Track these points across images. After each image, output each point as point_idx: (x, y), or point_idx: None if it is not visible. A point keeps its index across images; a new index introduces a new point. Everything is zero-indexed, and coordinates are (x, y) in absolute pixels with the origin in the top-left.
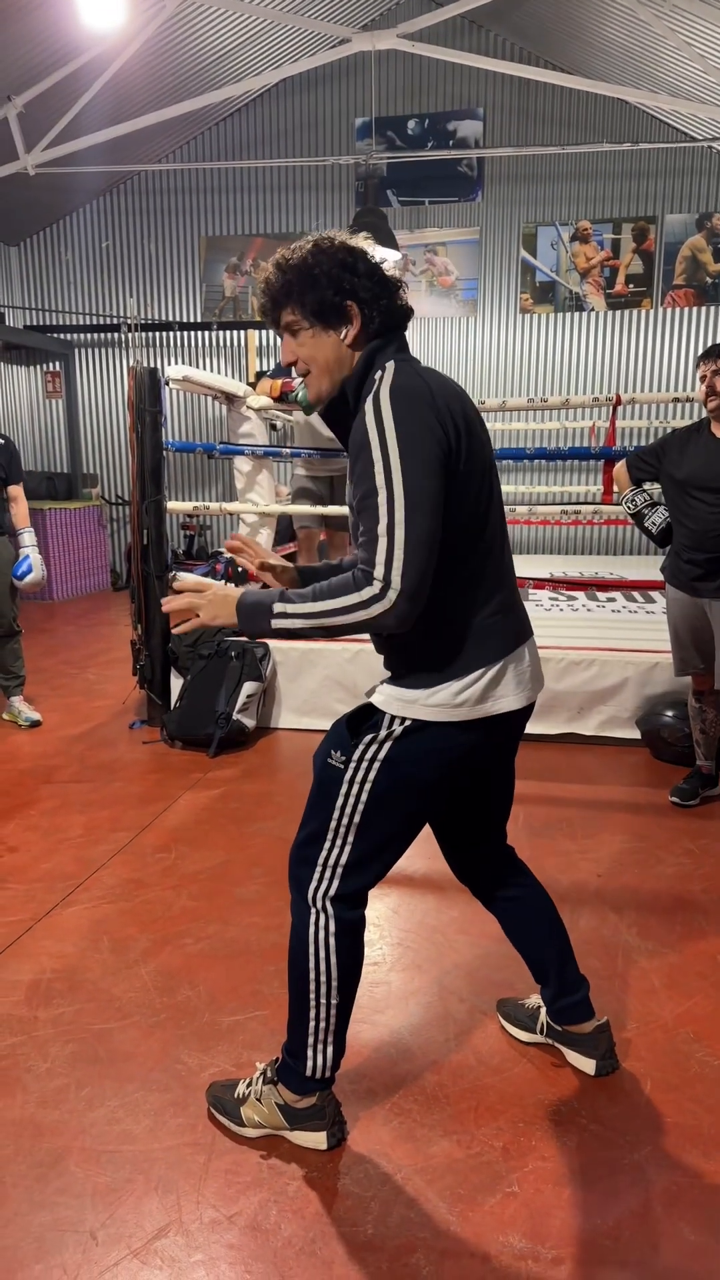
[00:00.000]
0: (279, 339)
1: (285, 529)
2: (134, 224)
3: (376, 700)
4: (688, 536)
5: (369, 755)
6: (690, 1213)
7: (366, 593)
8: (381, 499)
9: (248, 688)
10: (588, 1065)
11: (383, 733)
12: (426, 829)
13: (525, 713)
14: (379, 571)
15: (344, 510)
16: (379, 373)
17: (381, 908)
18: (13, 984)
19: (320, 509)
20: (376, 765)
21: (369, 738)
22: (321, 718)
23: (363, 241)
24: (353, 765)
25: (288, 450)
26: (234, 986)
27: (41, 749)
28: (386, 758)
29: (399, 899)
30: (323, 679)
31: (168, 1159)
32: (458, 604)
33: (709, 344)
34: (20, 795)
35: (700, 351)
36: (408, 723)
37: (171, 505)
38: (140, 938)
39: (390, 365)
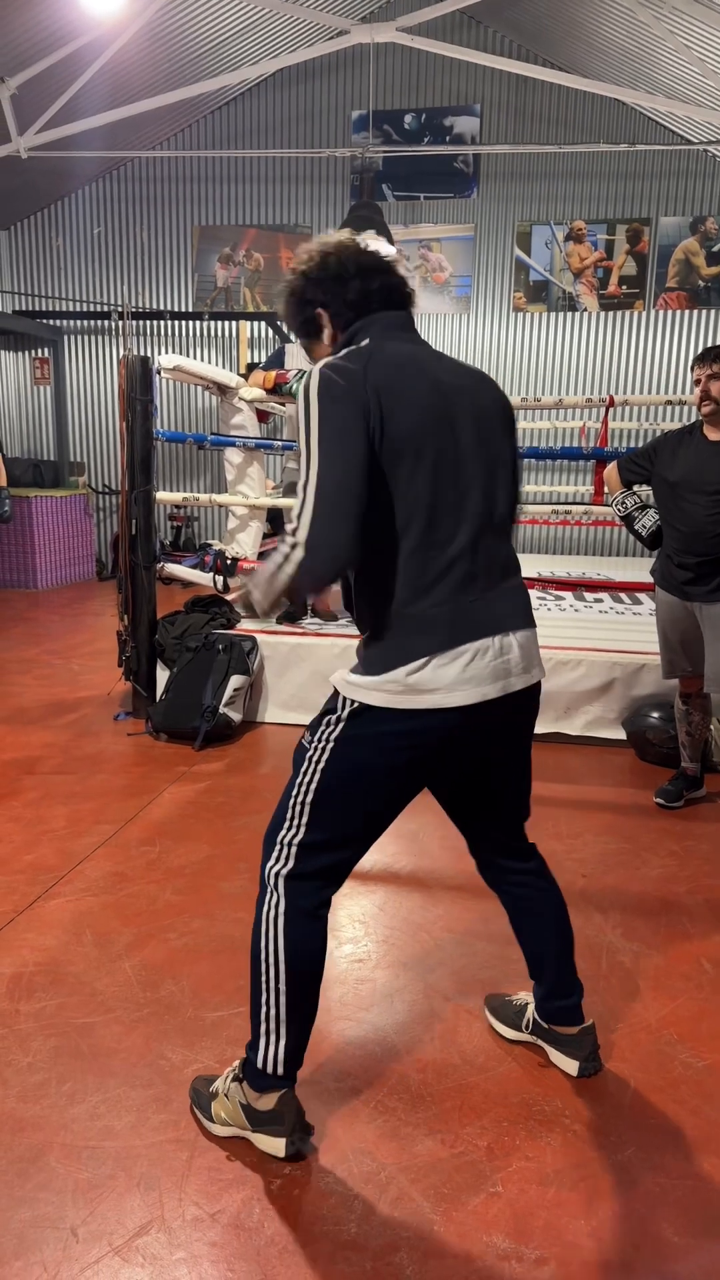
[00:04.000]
0: (270, 330)
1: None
2: (126, 211)
3: (333, 679)
4: (678, 539)
5: (324, 735)
6: (673, 1214)
7: (281, 552)
8: (302, 462)
9: (234, 681)
10: (570, 1066)
11: (336, 714)
12: (417, 827)
13: (509, 705)
14: (289, 527)
15: None
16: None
17: (367, 905)
18: None
19: None
20: (330, 745)
21: (327, 718)
22: (308, 712)
23: (329, 238)
24: (313, 744)
25: (279, 443)
26: (218, 982)
27: (24, 739)
28: (338, 737)
29: (384, 896)
30: (310, 673)
31: (150, 1155)
32: (398, 590)
33: (700, 347)
34: (2, 786)
35: (693, 355)
36: (354, 704)
37: (161, 496)
38: (124, 931)
39: (357, 346)
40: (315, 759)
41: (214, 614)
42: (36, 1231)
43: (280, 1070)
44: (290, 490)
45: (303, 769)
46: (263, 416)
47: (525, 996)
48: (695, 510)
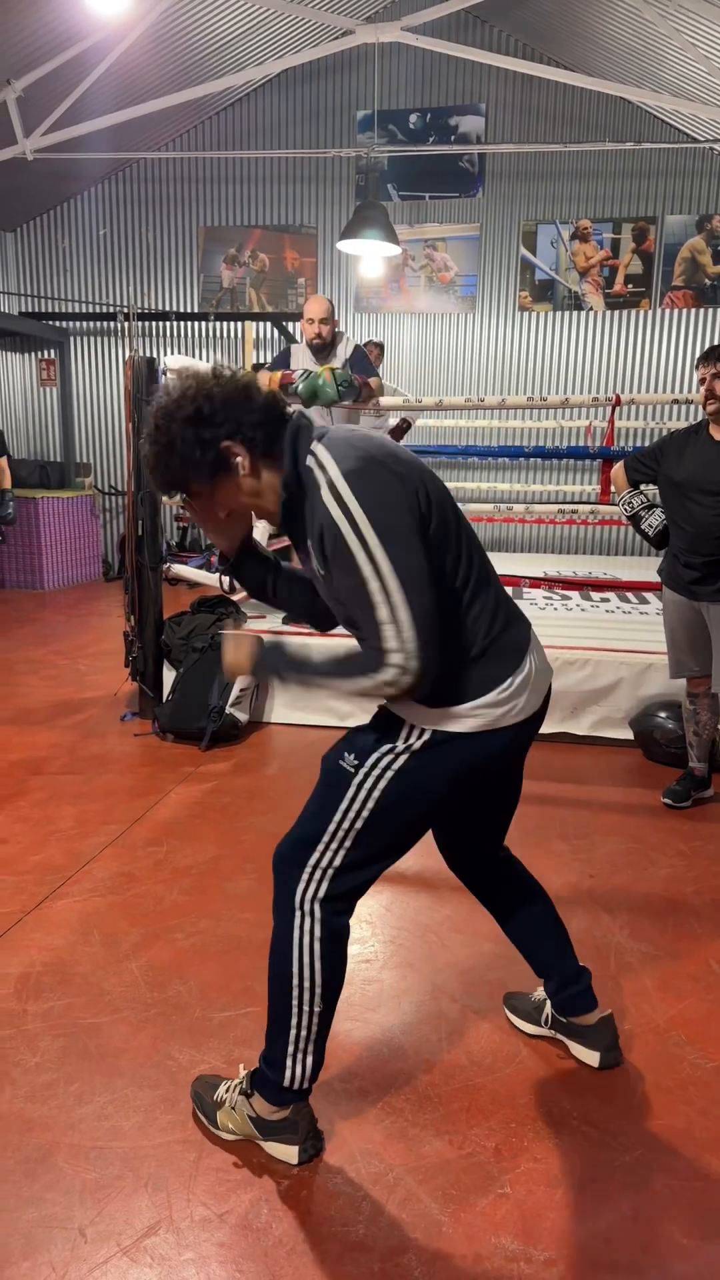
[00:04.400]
0: (276, 331)
1: None
2: (132, 212)
3: (399, 711)
4: (685, 539)
5: (383, 764)
6: (682, 1215)
7: (382, 677)
8: (374, 589)
9: (240, 681)
10: (591, 1058)
11: (401, 744)
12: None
13: (537, 719)
14: (393, 658)
15: None
16: (310, 458)
17: (374, 905)
18: (2, 977)
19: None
20: (390, 774)
21: (387, 746)
22: (315, 713)
23: (183, 381)
24: (364, 770)
25: None
26: (225, 982)
27: (31, 740)
28: (403, 768)
29: (391, 897)
30: None
31: (158, 1156)
32: (464, 637)
33: (706, 346)
34: (10, 786)
35: (699, 354)
36: (427, 735)
37: (166, 497)
38: (131, 932)
39: (320, 448)
40: (369, 785)
41: (220, 614)
42: (45, 1232)
43: (306, 1086)
44: None
45: (350, 795)
46: None
47: (543, 993)
48: (701, 510)
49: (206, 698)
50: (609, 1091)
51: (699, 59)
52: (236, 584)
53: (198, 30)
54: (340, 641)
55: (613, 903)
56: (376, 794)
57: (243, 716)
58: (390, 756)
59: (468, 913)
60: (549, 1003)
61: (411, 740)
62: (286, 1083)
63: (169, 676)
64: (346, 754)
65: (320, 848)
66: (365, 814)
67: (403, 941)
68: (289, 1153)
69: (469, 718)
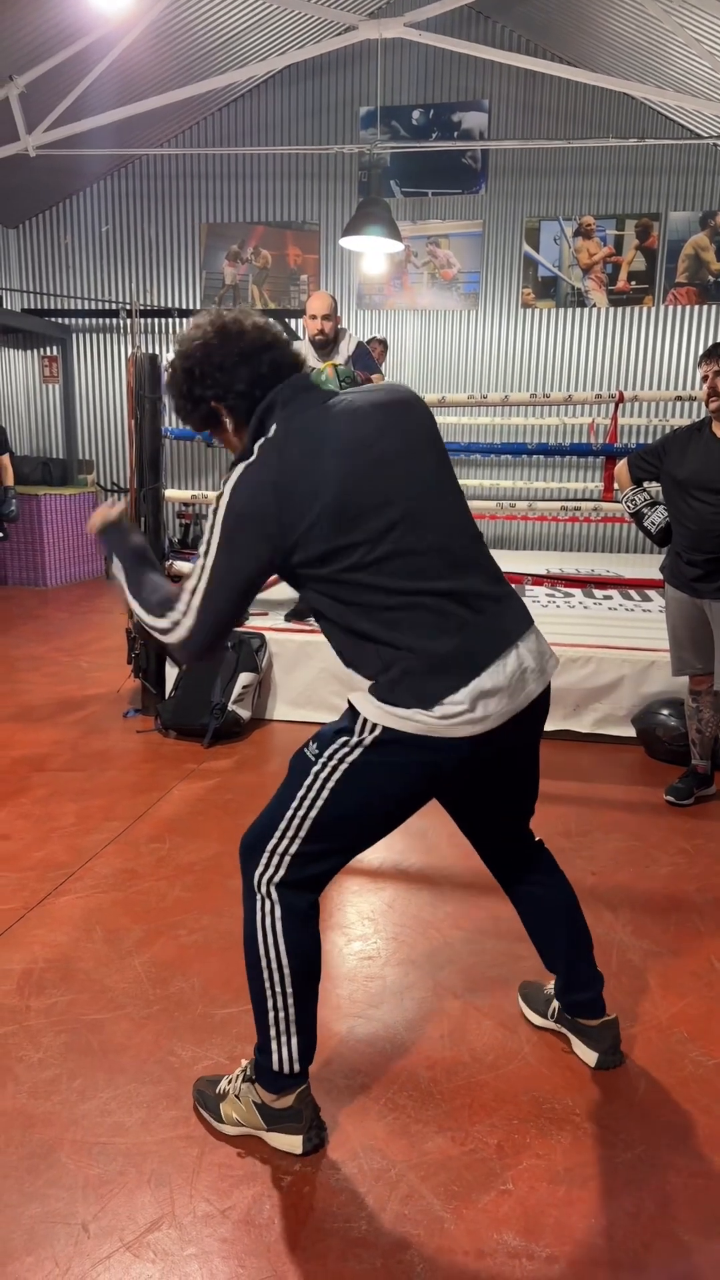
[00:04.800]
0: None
1: None
2: (134, 209)
3: (354, 699)
4: (687, 537)
5: (339, 755)
6: (684, 1212)
7: (163, 621)
8: (199, 561)
9: (243, 678)
10: (590, 1057)
11: (355, 737)
12: (427, 825)
13: (517, 723)
14: (176, 615)
15: None
16: (257, 446)
17: (377, 902)
18: (4, 973)
19: None
20: (344, 766)
21: (344, 738)
22: (317, 710)
23: (197, 331)
24: (321, 760)
25: None
26: (228, 979)
27: (34, 736)
28: (356, 760)
29: (394, 893)
30: (319, 671)
31: (160, 1152)
32: (407, 638)
33: (710, 343)
34: (12, 783)
35: (702, 350)
36: (378, 730)
37: (169, 493)
38: (133, 928)
39: (258, 446)
40: (324, 776)
41: None
42: (48, 1227)
43: (296, 1069)
44: None
45: (306, 784)
46: None
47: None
48: (703, 507)
49: (209, 695)
50: (611, 1089)
51: (703, 55)
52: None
53: (200, 26)
54: (162, 581)
55: (615, 900)
56: (331, 784)
57: (245, 713)
58: (345, 749)
59: (469, 909)
60: (557, 998)
61: (364, 734)
62: (277, 1066)
63: (171, 673)
64: (310, 743)
65: (277, 834)
66: (319, 803)
67: (405, 938)
68: (293, 1143)
69: (410, 721)
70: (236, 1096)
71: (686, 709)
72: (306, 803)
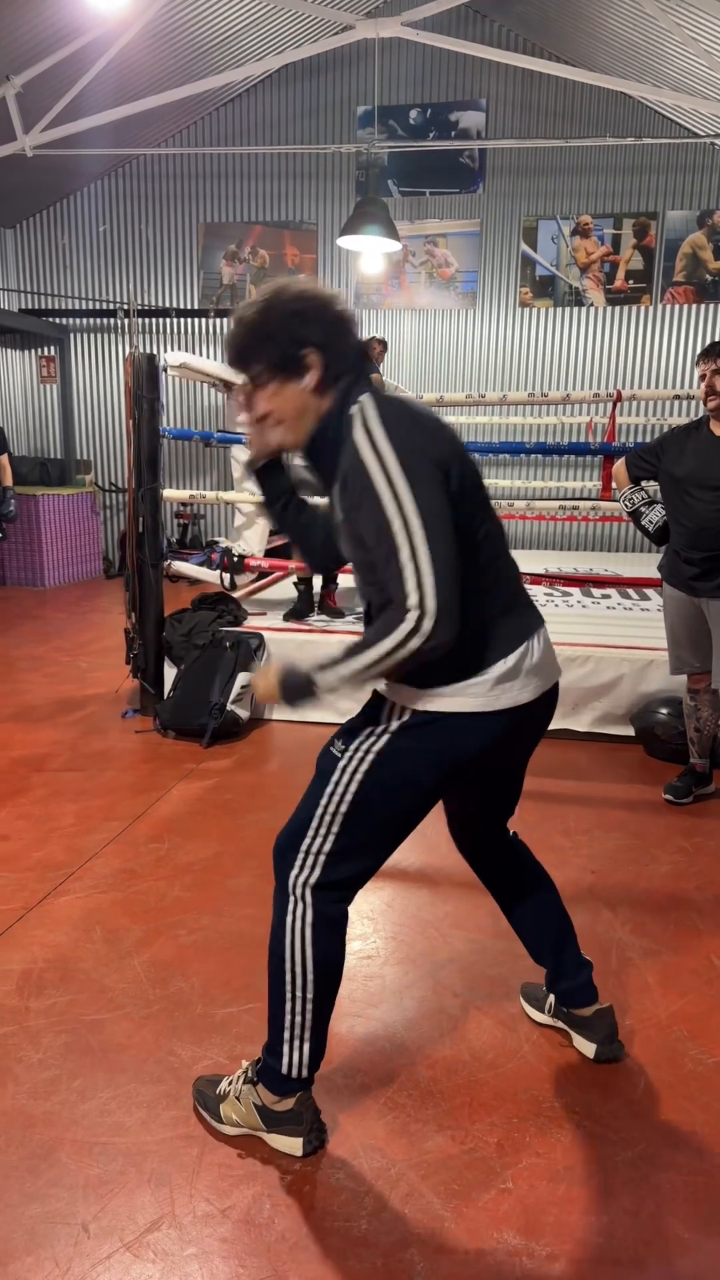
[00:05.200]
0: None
1: None
2: (132, 208)
3: (382, 689)
4: (685, 535)
5: (365, 746)
6: (684, 1210)
7: (403, 629)
8: (397, 528)
9: (242, 678)
10: (589, 1049)
11: (381, 725)
12: (425, 824)
13: (538, 710)
14: (411, 600)
15: None
16: (356, 406)
17: (376, 901)
18: (4, 973)
19: (317, 499)
20: (371, 757)
21: (369, 729)
22: (316, 710)
23: (312, 284)
24: (348, 754)
25: None
26: (227, 979)
27: (33, 737)
28: (383, 749)
29: (393, 893)
30: None
31: (160, 1152)
32: (467, 610)
33: (708, 342)
34: (12, 783)
35: (699, 349)
36: (406, 715)
37: (167, 493)
38: (133, 928)
39: (367, 397)
40: (351, 769)
41: (221, 611)
42: (48, 1227)
43: (305, 1074)
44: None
45: (334, 779)
46: None
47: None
48: (701, 506)
49: (207, 694)
50: (611, 1087)
51: (700, 54)
52: (236, 580)
53: (197, 25)
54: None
55: (614, 899)
56: (359, 777)
57: (244, 713)
58: (372, 739)
59: (469, 908)
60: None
61: (391, 721)
62: (285, 1070)
63: (170, 673)
64: (335, 741)
65: (310, 834)
66: (349, 798)
67: (404, 937)
68: (293, 1144)
69: (447, 698)
70: (237, 1098)
71: (685, 707)
72: (336, 798)
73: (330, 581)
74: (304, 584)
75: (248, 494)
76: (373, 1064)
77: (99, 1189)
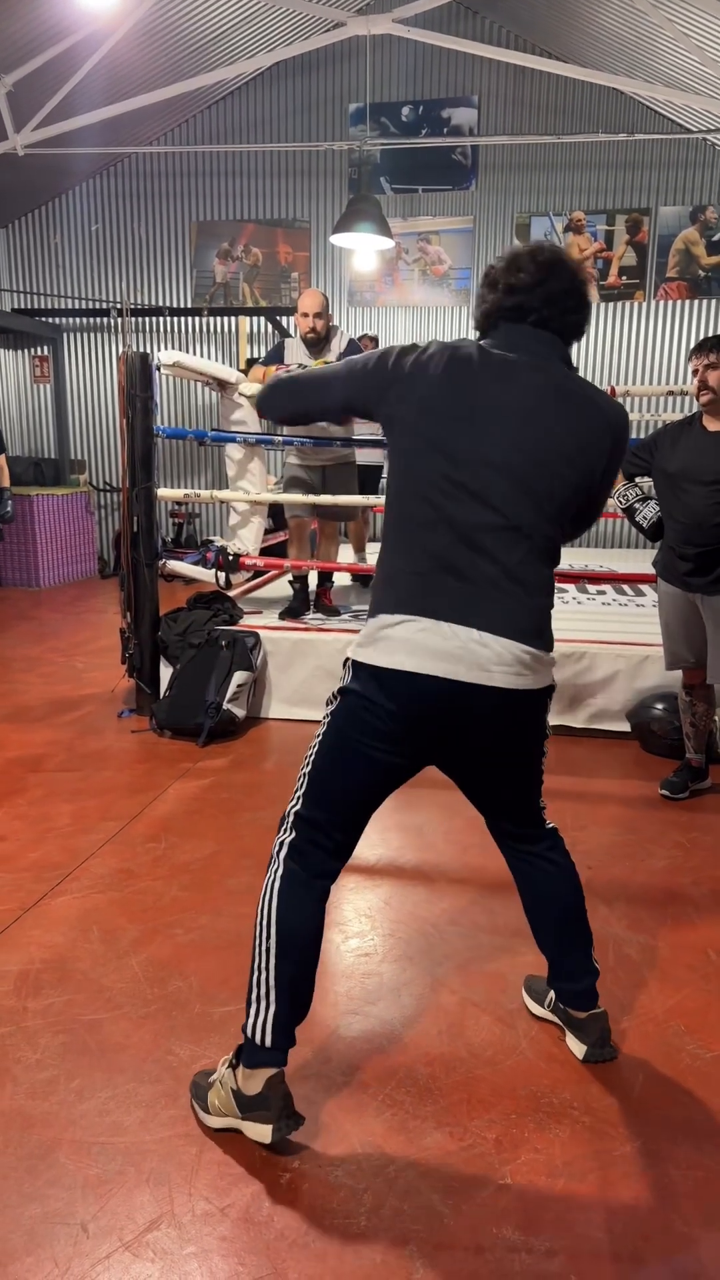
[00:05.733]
0: (270, 325)
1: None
2: (124, 207)
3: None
4: (679, 531)
5: (327, 710)
6: (682, 1204)
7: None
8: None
9: (238, 677)
10: (578, 1049)
11: (337, 686)
12: (423, 821)
13: (476, 705)
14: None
15: (336, 500)
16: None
17: (373, 898)
18: (1, 974)
19: (312, 498)
20: (327, 720)
21: (332, 692)
22: (312, 708)
23: (536, 244)
24: (322, 718)
25: (280, 438)
26: (225, 978)
27: (29, 737)
28: (333, 710)
29: (390, 890)
30: (313, 669)
31: (159, 1151)
32: (386, 553)
33: (701, 337)
34: (7, 784)
35: (692, 345)
36: (347, 676)
37: (162, 493)
38: (130, 928)
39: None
40: (319, 734)
41: (217, 610)
42: (47, 1227)
43: (269, 1040)
44: (293, 485)
45: (311, 744)
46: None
47: None
48: (694, 501)
49: (203, 694)
50: (609, 1082)
51: (691, 49)
52: (232, 579)
53: (188, 23)
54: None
55: (610, 894)
56: (319, 738)
57: (240, 712)
58: (332, 704)
59: (465, 906)
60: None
61: (340, 682)
62: (250, 1032)
63: (166, 673)
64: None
65: (292, 799)
66: (312, 758)
67: (401, 935)
68: (262, 1131)
69: (356, 648)
70: (220, 1083)
71: (680, 703)
72: (306, 761)
73: (326, 579)
74: (299, 582)
75: (242, 493)
76: (371, 1061)
77: (98, 1189)
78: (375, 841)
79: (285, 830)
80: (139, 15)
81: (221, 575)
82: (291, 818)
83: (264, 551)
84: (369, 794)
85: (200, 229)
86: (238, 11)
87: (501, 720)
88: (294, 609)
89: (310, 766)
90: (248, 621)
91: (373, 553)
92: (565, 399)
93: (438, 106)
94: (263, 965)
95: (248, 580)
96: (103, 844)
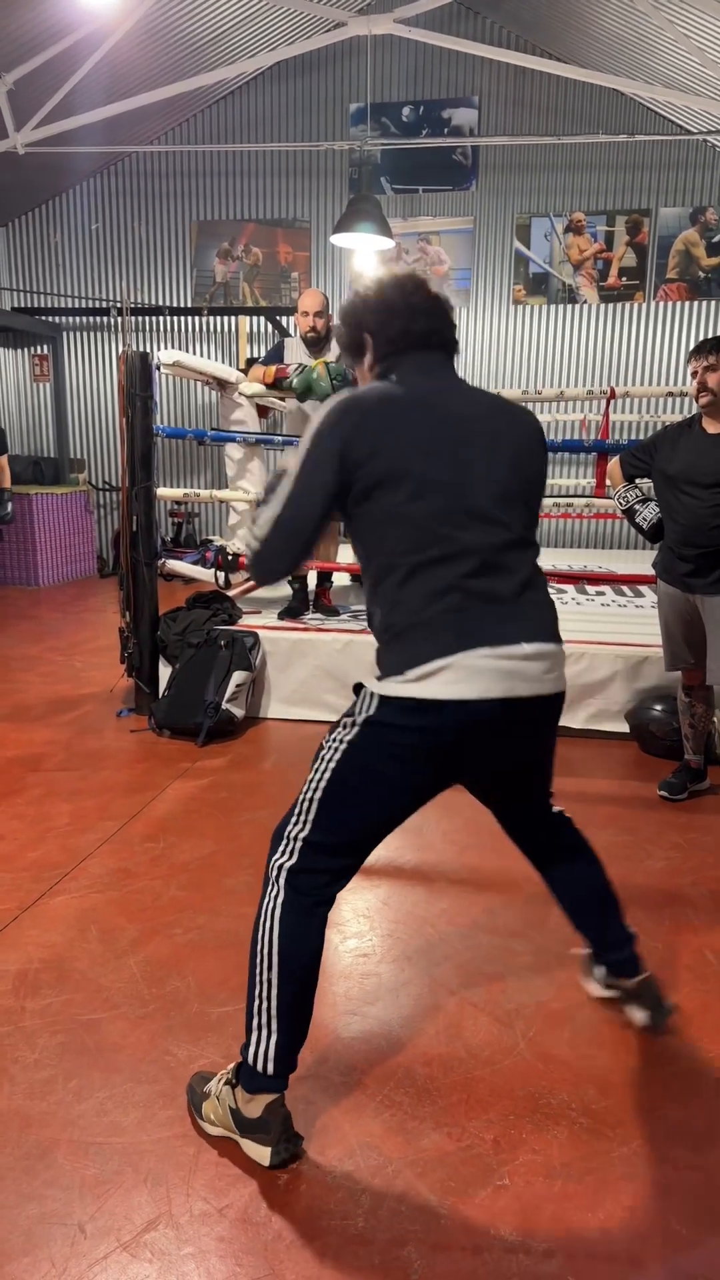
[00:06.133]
0: (269, 325)
1: None
2: (124, 206)
3: (364, 680)
4: (678, 532)
5: (339, 736)
6: (680, 1206)
7: (248, 551)
8: (284, 483)
9: (237, 677)
10: (639, 1017)
11: (352, 716)
12: (422, 822)
13: (519, 714)
14: (251, 530)
15: None
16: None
17: (371, 898)
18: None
19: None
20: (343, 747)
21: (345, 720)
22: (311, 708)
23: (401, 271)
24: (328, 743)
25: (279, 438)
26: (224, 978)
27: (27, 737)
28: (352, 740)
29: (388, 890)
30: (312, 669)
31: (157, 1151)
32: (405, 598)
33: (700, 339)
34: (6, 783)
35: (692, 346)
36: (374, 704)
37: (161, 492)
38: (129, 928)
39: (368, 386)
40: (329, 758)
41: (216, 610)
42: (44, 1228)
43: (270, 1069)
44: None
45: (316, 767)
46: (263, 412)
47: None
48: (694, 503)
49: (202, 693)
50: (607, 1083)
51: (692, 50)
52: (231, 579)
53: (189, 23)
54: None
55: None
56: (332, 766)
57: (239, 712)
58: (345, 730)
59: (464, 905)
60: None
61: (359, 713)
62: (251, 1060)
63: (165, 672)
64: (327, 733)
65: (292, 819)
66: (323, 786)
67: (400, 935)
68: (262, 1154)
69: (387, 686)
70: (217, 1098)
71: (679, 704)
72: (313, 785)
73: (325, 579)
74: (298, 582)
75: (242, 492)
76: (368, 1061)
77: (95, 1189)
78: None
79: (286, 854)
80: (140, 14)
81: (221, 575)
82: (298, 842)
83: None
84: (390, 822)
85: (200, 228)
86: (238, 11)
87: (548, 725)
88: (293, 609)
89: (321, 793)
90: (247, 621)
91: None
92: (503, 412)
93: (438, 107)
94: (264, 994)
95: (247, 580)
96: (101, 843)
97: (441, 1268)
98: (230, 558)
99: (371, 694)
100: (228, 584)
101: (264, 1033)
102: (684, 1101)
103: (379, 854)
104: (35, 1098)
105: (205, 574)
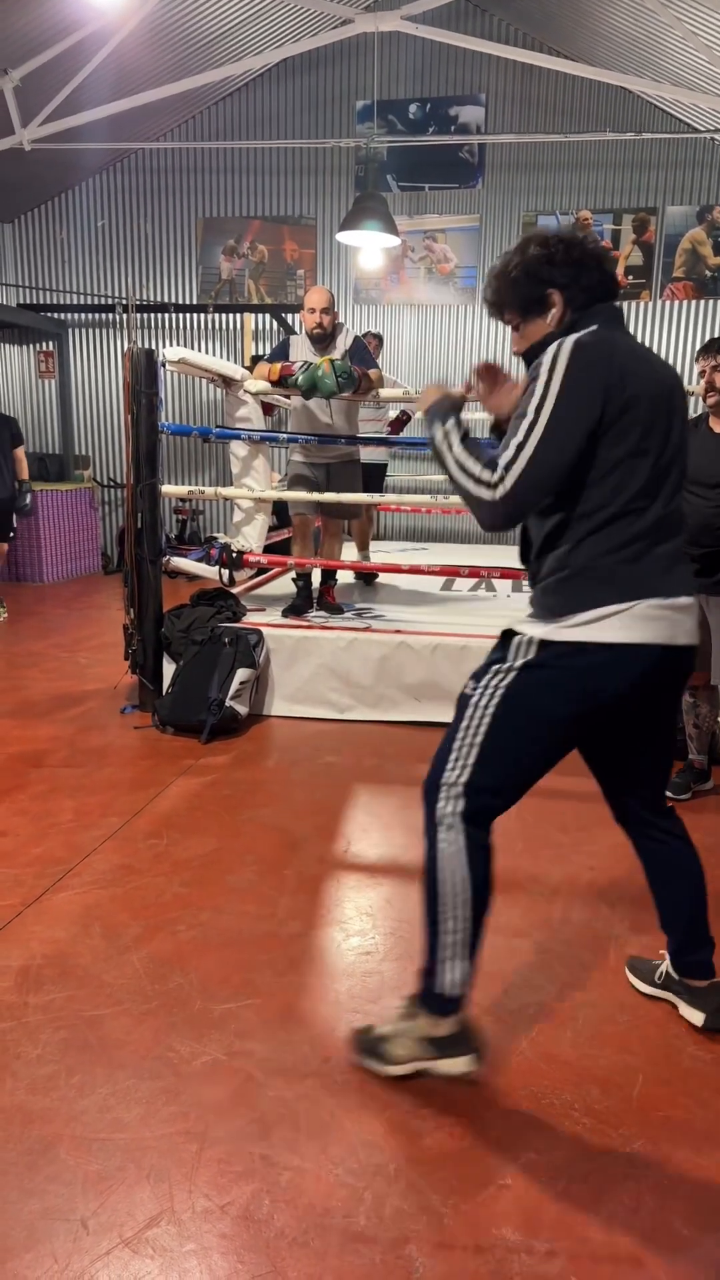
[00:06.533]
0: (275, 323)
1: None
2: (130, 203)
3: (515, 626)
4: (685, 532)
5: (495, 682)
6: (682, 1206)
7: (483, 491)
8: (526, 423)
9: (241, 674)
10: (697, 1018)
11: (508, 662)
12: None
13: (668, 662)
14: (497, 477)
15: (339, 497)
16: (572, 335)
17: (374, 897)
18: (2, 969)
19: (316, 495)
20: (501, 691)
21: (496, 666)
22: (314, 706)
23: (568, 229)
24: (479, 691)
25: (284, 435)
26: (226, 975)
27: (31, 733)
28: (512, 684)
29: (392, 889)
30: (316, 667)
31: (160, 1147)
32: (595, 546)
33: (707, 338)
34: (10, 779)
35: (699, 346)
36: (533, 650)
37: (166, 489)
38: (132, 924)
39: (589, 328)
40: (483, 705)
41: (220, 607)
42: (47, 1223)
43: (459, 992)
44: (296, 483)
45: (468, 715)
46: (268, 409)
47: (665, 953)
48: (700, 503)
49: (206, 691)
50: (610, 1083)
51: (700, 48)
52: (235, 576)
53: (196, 19)
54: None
55: (613, 895)
56: (491, 709)
57: (242, 709)
58: (500, 675)
59: None
60: (667, 962)
61: (518, 658)
62: (443, 989)
63: (169, 669)
64: (469, 683)
65: (449, 767)
66: (482, 730)
67: (403, 934)
68: (465, 1063)
69: (560, 631)
70: (404, 1036)
71: (684, 704)
72: (470, 732)
73: (329, 577)
74: (303, 580)
75: (246, 490)
76: None
77: (98, 1185)
78: (377, 840)
79: (450, 800)
80: (146, 11)
81: (225, 572)
82: (460, 787)
83: (268, 549)
84: (549, 762)
85: (206, 225)
86: (245, 8)
87: (685, 676)
88: (297, 606)
89: (482, 737)
90: (251, 619)
91: (376, 551)
92: (680, 386)
93: (445, 104)
94: (456, 926)
95: (251, 577)
96: (104, 840)
97: (444, 1267)
98: (235, 555)
99: (530, 639)
100: (232, 581)
101: (455, 962)
102: (686, 1102)
103: (383, 851)
104: (38, 1093)
105: (210, 571)
